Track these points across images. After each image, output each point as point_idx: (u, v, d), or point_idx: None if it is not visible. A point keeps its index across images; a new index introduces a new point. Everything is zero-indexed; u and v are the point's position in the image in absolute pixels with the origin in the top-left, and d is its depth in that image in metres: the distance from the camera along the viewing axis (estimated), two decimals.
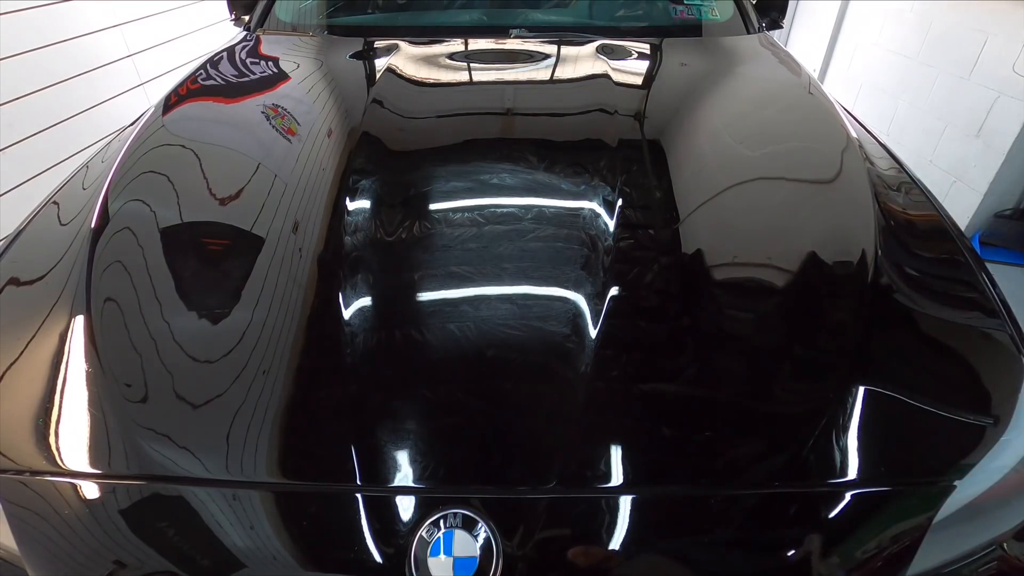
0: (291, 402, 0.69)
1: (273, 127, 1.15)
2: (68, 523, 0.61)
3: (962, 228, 0.98)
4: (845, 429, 0.66)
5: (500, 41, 1.48)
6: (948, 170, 2.59)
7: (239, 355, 0.72)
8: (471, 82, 1.32)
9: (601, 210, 0.90)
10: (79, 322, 0.76)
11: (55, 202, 1.03)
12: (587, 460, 0.64)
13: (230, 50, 1.51)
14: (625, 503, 0.62)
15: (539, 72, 1.34)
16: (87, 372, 0.71)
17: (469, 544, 0.58)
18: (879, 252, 0.84)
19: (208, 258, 0.88)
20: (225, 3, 1.79)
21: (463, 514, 0.59)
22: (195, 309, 0.78)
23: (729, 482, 0.63)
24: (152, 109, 1.25)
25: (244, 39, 1.60)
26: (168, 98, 1.28)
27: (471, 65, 1.38)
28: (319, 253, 0.85)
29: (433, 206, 0.95)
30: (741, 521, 0.62)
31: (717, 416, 0.68)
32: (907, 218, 0.95)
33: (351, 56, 1.46)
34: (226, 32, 1.80)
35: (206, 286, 0.83)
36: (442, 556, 0.57)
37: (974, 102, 2.42)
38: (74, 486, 0.63)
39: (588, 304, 0.76)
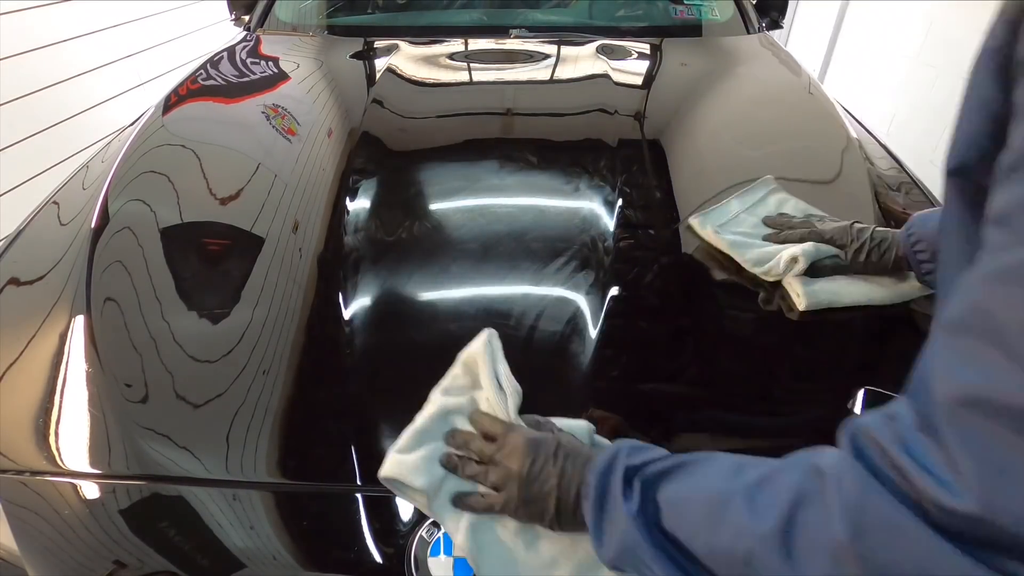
0: (291, 402, 0.69)
1: (273, 127, 1.15)
2: (68, 523, 0.61)
3: None
4: None
5: (500, 41, 1.48)
6: None
7: (239, 355, 0.72)
8: (471, 82, 1.32)
9: (601, 210, 0.89)
10: (79, 322, 0.75)
11: (55, 202, 1.03)
12: None
13: (230, 50, 1.51)
14: None
15: (539, 72, 1.34)
16: (87, 372, 0.71)
17: None
18: None
19: (208, 258, 0.88)
20: (225, 3, 1.79)
21: None
22: (195, 309, 0.78)
23: None
24: (152, 109, 1.25)
25: (244, 39, 1.60)
26: (168, 98, 1.28)
27: (471, 65, 1.38)
28: (319, 253, 0.85)
29: (433, 206, 0.95)
30: None
31: (718, 416, 0.68)
32: (907, 218, 0.95)
33: (351, 56, 1.46)
34: (226, 32, 1.80)
35: (206, 286, 0.83)
36: (442, 556, 0.57)
37: None
38: (74, 486, 0.63)
39: (588, 304, 0.76)
